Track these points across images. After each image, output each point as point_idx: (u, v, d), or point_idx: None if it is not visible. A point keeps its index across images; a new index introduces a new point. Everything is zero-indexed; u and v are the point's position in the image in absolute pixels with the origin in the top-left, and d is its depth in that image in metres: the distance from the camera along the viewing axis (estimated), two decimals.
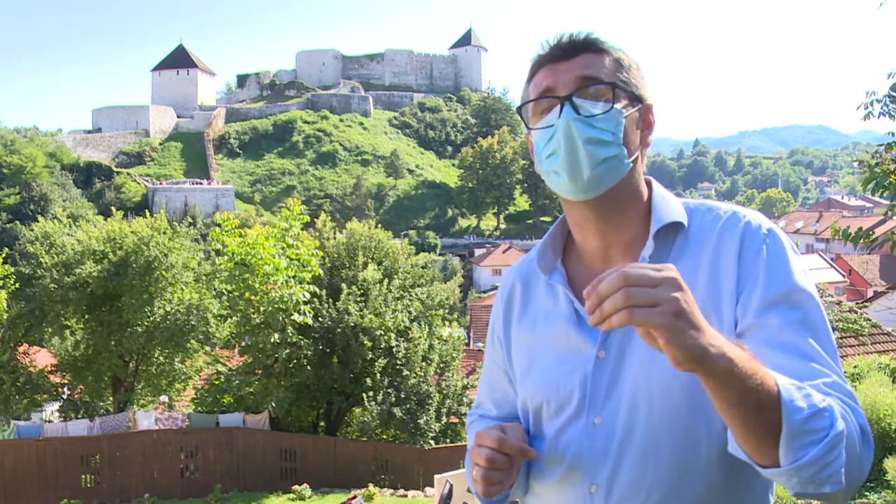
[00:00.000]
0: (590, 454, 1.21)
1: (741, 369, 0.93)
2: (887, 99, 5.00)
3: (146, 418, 17.26)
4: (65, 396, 20.60)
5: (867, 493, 7.16)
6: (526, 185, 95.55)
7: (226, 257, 17.20)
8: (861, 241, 4.82)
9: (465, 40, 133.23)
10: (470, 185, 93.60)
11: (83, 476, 16.33)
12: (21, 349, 19.77)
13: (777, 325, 1.10)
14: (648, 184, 1.31)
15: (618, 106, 1.21)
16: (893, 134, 5.08)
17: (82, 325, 18.83)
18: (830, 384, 1.04)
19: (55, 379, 19.90)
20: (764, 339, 1.09)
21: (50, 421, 19.56)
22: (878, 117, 5.03)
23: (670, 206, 1.27)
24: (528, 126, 1.28)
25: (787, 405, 0.95)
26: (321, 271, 18.28)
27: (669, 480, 1.16)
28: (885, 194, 4.81)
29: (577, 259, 1.33)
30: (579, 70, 1.22)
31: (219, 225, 17.64)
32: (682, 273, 1.13)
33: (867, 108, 5.09)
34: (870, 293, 36.41)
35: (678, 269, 1.10)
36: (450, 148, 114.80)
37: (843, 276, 41.95)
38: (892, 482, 6.93)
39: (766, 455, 0.98)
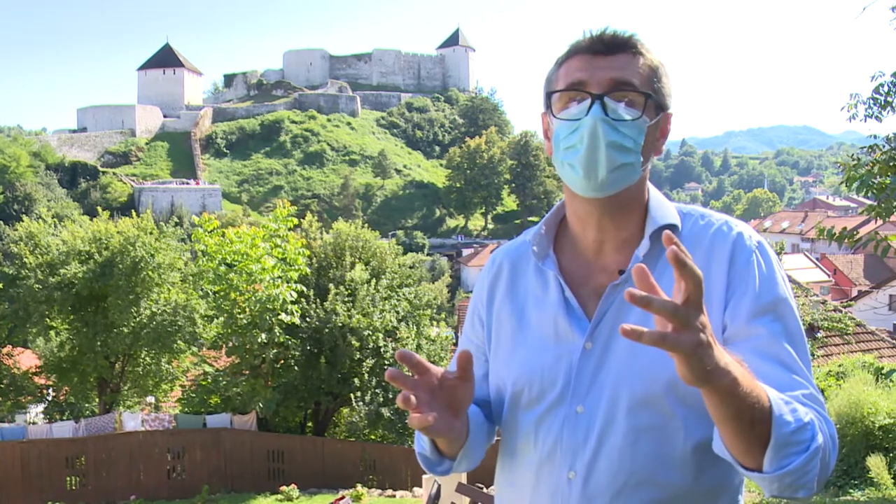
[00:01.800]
0: (570, 441, 1.25)
1: (742, 387, 0.99)
2: (871, 101, 5.05)
3: (132, 419, 17.15)
4: (49, 398, 20.43)
5: (851, 490, 7.22)
6: (514, 185, 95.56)
7: (207, 257, 17.14)
8: (845, 240, 4.87)
9: (453, 40, 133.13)
10: (458, 185, 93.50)
11: (68, 478, 16.20)
12: (5, 350, 19.62)
13: (765, 336, 1.17)
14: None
15: (645, 115, 1.23)
16: (876, 136, 5.14)
17: (67, 326, 18.68)
18: (808, 395, 1.12)
19: (40, 380, 19.75)
20: (753, 348, 1.15)
21: (34, 423, 19.37)
22: (865, 120, 5.09)
23: (665, 209, 1.31)
24: (553, 112, 1.28)
25: (777, 419, 1.01)
26: (308, 270, 18.23)
27: (646, 469, 1.20)
28: (869, 194, 4.86)
29: (570, 248, 1.36)
30: (616, 71, 1.22)
31: (200, 226, 17.56)
32: (672, 273, 1.19)
33: (851, 109, 5.14)
34: (854, 292, 36.74)
35: (669, 269, 1.16)
36: (437, 148, 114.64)
37: (828, 275, 42.30)
38: (875, 479, 6.99)
39: (752, 460, 1.05)
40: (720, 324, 1.20)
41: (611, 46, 1.24)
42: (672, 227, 1.28)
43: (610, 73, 1.22)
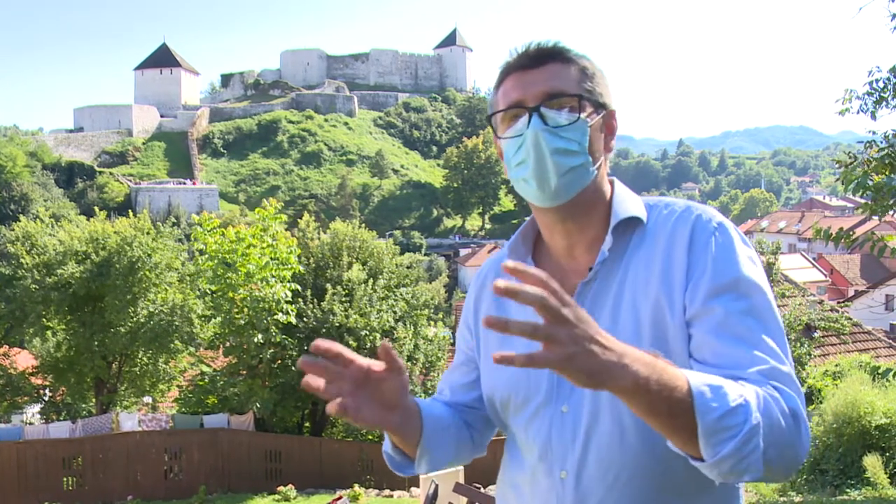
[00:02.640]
0: (559, 441, 1.27)
1: (649, 382, 0.98)
2: (865, 96, 5.06)
3: (129, 420, 17.14)
4: (46, 398, 20.39)
5: (848, 490, 7.24)
6: (511, 184, 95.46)
7: (206, 256, 17.14)
8: (842, 241, 4.88)
9: (450, 40, 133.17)
10: (455, 185, 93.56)
11: (65, 479, 16.18)
12: (1, 351, 19.55)
13: (721, 314, 1.16)
14: (611, 184, 1.38)
15: (583, 115, 1.26)
16: (875, 133, 5.14)
17: (64, 326, 18.64)
18: (766, 371, 1.10)
19: (36, 381, 19.69)
20: (709, 328, 1.16)
21: (31, 423, 19.35)
22: (858, 113, 5.10)
23: (628, 203, 1.33)
24: (497, 134, 1.34)
25: (699, 407, 0.99)
26: (303, 270, 18.22)
27: (636, 462, 1.21)
28: (865, 194, 4.87)
29: (546, 255, 1.40)
30: (547, 81, 1.27)
31: (199, 225, 17.56)
32: (639, 264, 1.27)
33: (846, 103, 5.15)
34: (851, 292, 36.81)
35: (635, 261, 1.26)
36: (435, 148, 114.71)
37: (825, 275, 42.40)
38: (871, 479, 7.01)
39: (693, 450, 1.03)
40: (682, 306, 1.20)
41: (537, 59, 1.29)
42: (635, 219, 1.30)
43: (541, 85, 1.26)
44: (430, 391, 18.31)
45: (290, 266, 17.45)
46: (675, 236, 1.25)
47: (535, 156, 1.24)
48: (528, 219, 1.45)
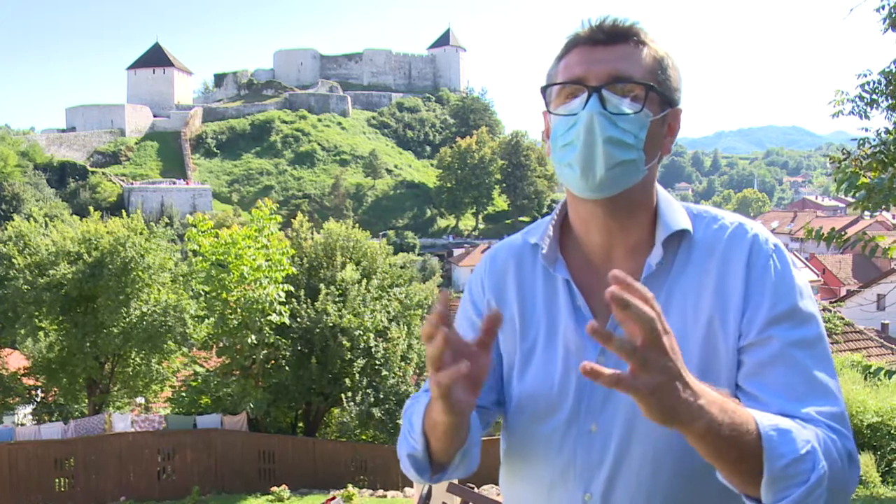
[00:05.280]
0: (585, 461, 1.18)
1: (721, 427, 0.92)
2: (857, 98, 5.10)
3: (122, 420, 17.08)
4: (38, 399, 20.31)
5: None
6: (504, 185, 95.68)
7: (200, 258, 17.11)
8: (834, 241, 4.89)
9: (444, 40, 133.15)
10: (448, 185, 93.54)
11: (57, 480, 16.11)
12: None
13: (778, 345, 1.09)
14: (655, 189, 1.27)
15: (647, 107, 1.14)
16: (867, 130, 5.17)
17: (56, 327, 18.56)
18: (824, 412, 1.05)
19: (28, 381, 19.62)
20: (764, 358, 1.09)
21: (23, 424, 19.26)
22: (851, 114, 5.14)
23: (676, 212, 1.23)
24: (549, 108, 1.21)
25: (769, 453, 0.94)
26: (297, 270, 18.20)
27: (668, 490, 1.14)
28: (856, 194, 4.89)
29: (576, 253, 1.27)
30: (616, 62, 1.15)
31: (194, 226, 17.52)
32: (689, 280, 1.17)
33: (838, 105, 5.18)
34: (843, 292, 36.95)
35: (683, 278, 1.16)
36: (428, 148, 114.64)
37: (818, 275, 42.54)
38: (863, 478, 7.04)
39: (751, 490, 0.98)
40: (736, 331, 1.13)
41: (611, 36, 1.16)
42: (684, 232, 1.20)
43: (609, 65, 1.14)
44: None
45: (282, 268, 17.44)
46: (731, 255, 1.16)
47: (586, 140, 1.11)
48: (557, 206, 1.33)
